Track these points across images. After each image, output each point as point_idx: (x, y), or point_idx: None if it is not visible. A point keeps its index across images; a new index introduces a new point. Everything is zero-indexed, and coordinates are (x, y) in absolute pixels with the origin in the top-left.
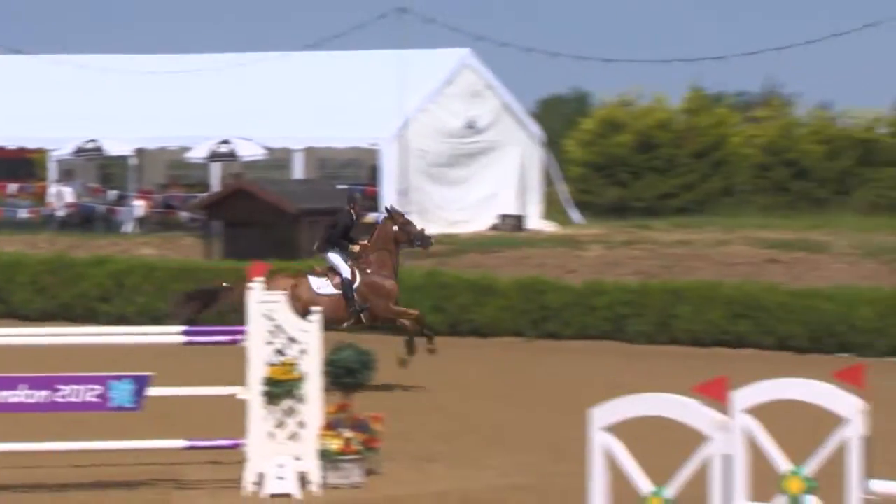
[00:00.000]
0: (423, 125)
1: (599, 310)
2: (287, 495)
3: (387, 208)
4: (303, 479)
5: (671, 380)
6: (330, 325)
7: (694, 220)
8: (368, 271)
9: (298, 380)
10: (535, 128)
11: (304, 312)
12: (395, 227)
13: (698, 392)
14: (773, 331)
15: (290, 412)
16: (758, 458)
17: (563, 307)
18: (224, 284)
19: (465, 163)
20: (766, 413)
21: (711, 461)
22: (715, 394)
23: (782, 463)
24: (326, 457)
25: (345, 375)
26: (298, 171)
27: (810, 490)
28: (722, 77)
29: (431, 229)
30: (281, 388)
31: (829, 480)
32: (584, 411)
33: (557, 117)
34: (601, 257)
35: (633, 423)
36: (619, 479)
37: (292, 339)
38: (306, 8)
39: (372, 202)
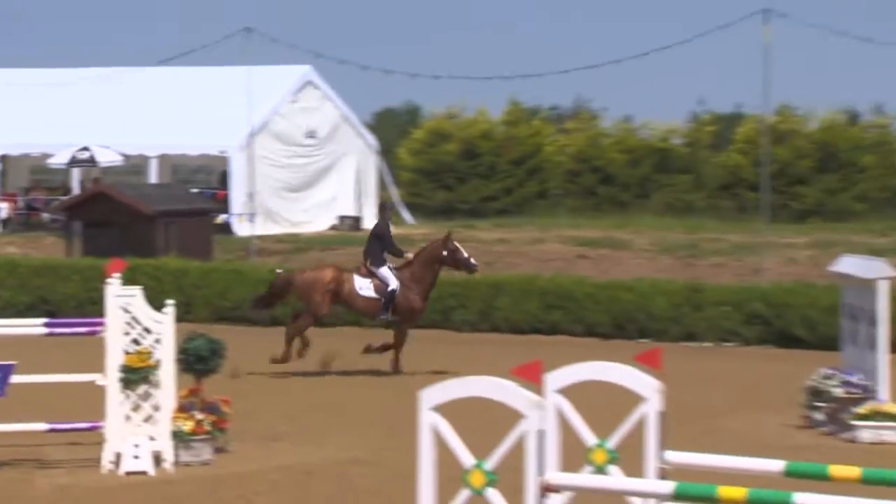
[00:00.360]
0: (269, 134)
1: (429, 301)
2: (142, 473)
3: (447, 236)
4: (157, 458)
5: (493, 364)
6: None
7: (513, 220)
8: (404, 286)
9: (153, 367)
10: (371, 138)
11: (333, 302)
12: (445, 252)
13: (516, 375)
14: (581, 319)
15: (146, 396)
16: (568, 433)
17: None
18: (279, 271)
19: (307, 169)
20: (575, 393)
21: (527, 436)
22: (530, 376)
23: (589, 437)
24: (179, 437)
25: (196, 362)
26: (153, 176)
27: (612, 461)
28: (538, 92)
29: (276, 230)
30: (137, 375)
31: (630, 452)
32: (414, 393)
33: (391, 128)
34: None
35: (458, 403)
36: (445, 454)
37: (147, 330)
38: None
39: (223, 205)
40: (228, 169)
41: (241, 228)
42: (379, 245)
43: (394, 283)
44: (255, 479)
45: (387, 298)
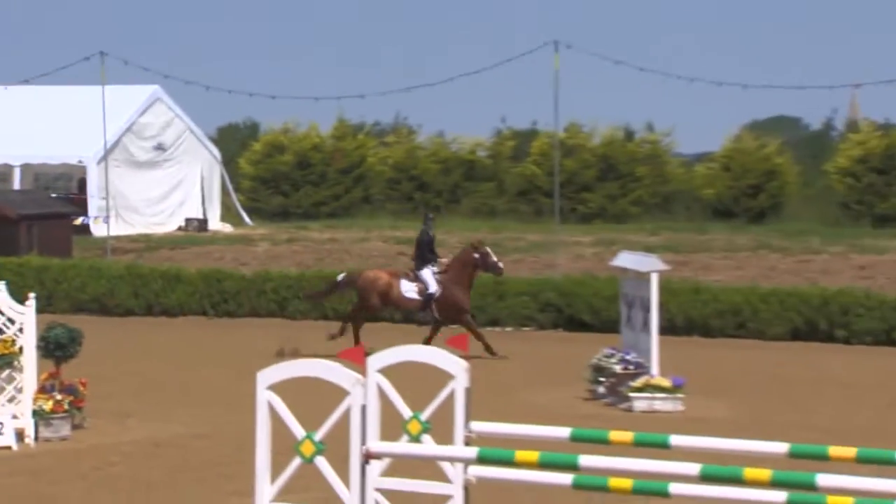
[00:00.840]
0: (122, 146)
1: (267, 293)
2: (6, 448)
3: (478, 242)
4: (20, 435)
5: (325, 348)
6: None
7: (341, 222)
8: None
9: (16, 353)
10: (214, 149)
11: (384, 303)
12: (477, 255)
13: (343, 357)
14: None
15: (9, 380)
16: (387, 408)
17: (237, 292)
18: (341, 276)
19: (156, 176)
20: (394, 372)
21: (351, 410)
22: (355, 358)
23: (405, 410)
24: (40, 415)
25: (55, 349)
26: (17, 183)
27: (425, 431)
28: (362, 111)
29: (129, 231)
30: (1, 361)
31: (441, 423)
32: (253, 373)
33: (233, 141)
34: (268, 252)
35: (292, 382)
36: (279, 427)
37: (11, 320)
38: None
39: (83, 209)
40: (86, 176)
41: (98, 229)
42: (421, 251)
43: (433, 287)
44: (110, 451)
45: (425, 299)
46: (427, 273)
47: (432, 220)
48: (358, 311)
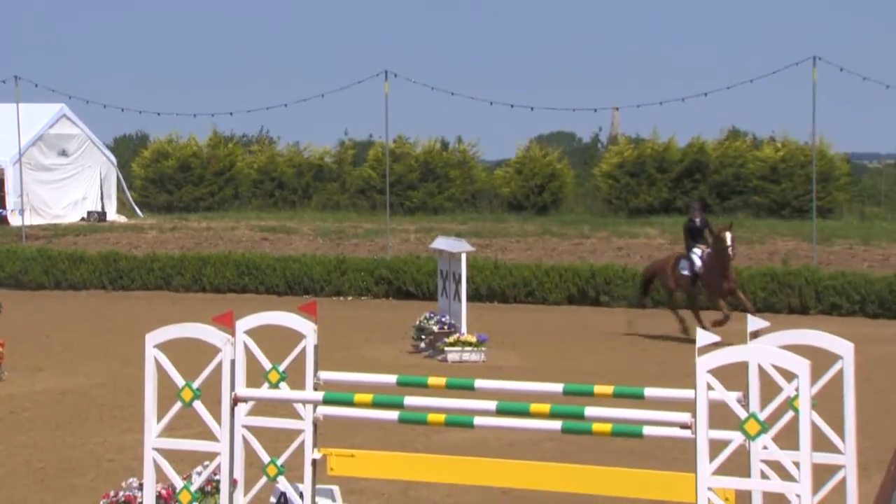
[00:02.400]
0: (33, 151)
1: (155, 271)
2: None
3: (727, 226)
4: None
5: (202, 315)
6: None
7: (215, 214)
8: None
9: None
10: (111, 155)
11: (673, 281)
12: (728, 238)
13: (216, 321)
14: (264, 282)
15: None
16: (252, 362)
17: (131, 269)
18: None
19: (63, 177)
20: (258, 333)
21: (223, 363)
22: (225, 322)
23: (266, 363)
24: None
25: None
26: None
27: (282, 379)
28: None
29: (40, 221)
30: None
31: (295, 373)
32: (143, 335)
33: (127, 148)
34: (156, 238)
35: (175, 342)
36: (164, 378)
37: None
38: None
39: (1, 203)
40: (4, 177)
41: (14, 220)
42: (690, 236)
43: (697, 265)
44: (23, 398)
45: (692, 275)
46: (693, 255)
47: (698, 209)
48: (669, 297)
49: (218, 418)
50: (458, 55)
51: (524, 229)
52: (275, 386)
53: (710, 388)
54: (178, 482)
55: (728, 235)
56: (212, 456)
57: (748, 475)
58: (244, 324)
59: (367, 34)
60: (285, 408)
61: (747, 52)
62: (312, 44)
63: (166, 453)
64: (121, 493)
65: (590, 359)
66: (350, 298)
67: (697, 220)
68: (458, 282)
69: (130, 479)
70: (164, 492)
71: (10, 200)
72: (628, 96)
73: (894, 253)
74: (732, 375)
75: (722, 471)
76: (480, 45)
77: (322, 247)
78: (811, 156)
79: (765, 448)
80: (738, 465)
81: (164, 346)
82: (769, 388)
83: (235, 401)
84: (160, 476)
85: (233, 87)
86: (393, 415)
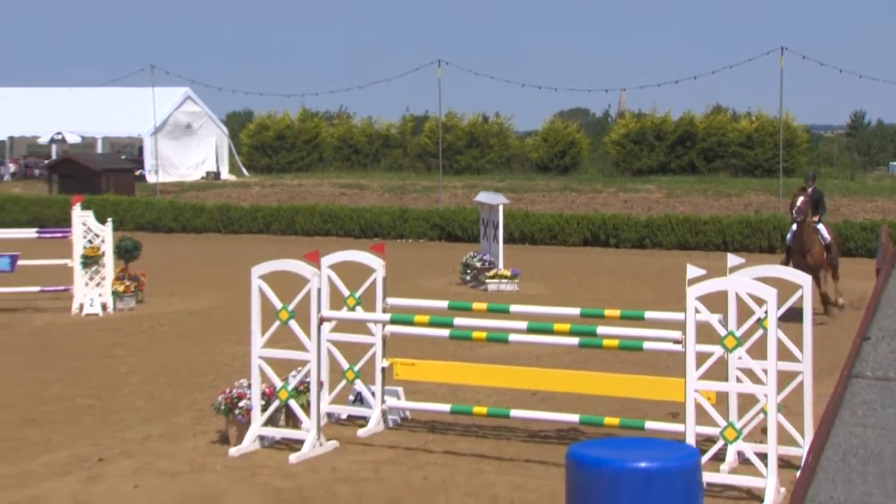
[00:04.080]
0: (165, 125)
1: (258, 219)
2: (95, 314)
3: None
4: (104, 306)
5: (295, 254)
6: (816, 268)
7: (304, 174)
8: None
9: (100, 255)
10: (224, 127)
11: (812, 250)
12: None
13: (306, 258)
14: (343, 228)
15: (97, 271)
16: (333, 290)
17: (239, 217)
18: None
19: (187, 144)
20: (339, 268)
21: (311, 291)
22: (313, 258)
23: (345, 291)
24: (115, 294)
25: (125, 253)
26: (100, 149)
27: (358, 304)
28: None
29: (169, 179)
30: (90, 260)
31: (368, 300)
32: (249, 268)
33: (236, 122)
34: (259, 192)
35: (274, 274)
36: (267, 302)
37: (97, 235)
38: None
39: (141, 165)
40: (143, 145)
41: (151, 178)
42: (815, 207)
43: (827, 237)
44: (160, 317)
45: (826, 244)
46: (821, 226)
47: (811, 180)
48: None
49: (308, 334)
50: (496, 45)
51: (549, 186)
52: (352, 309)
53: (697, 311)
54: (278, 383)
55: (800, 200)
56: (303, 363)
57: (727, 380)
58: (328, 260)
59: (424, 29)
60: (360, 326)
61: (728, 43)
62: (380, 37)
63: (268, 361)
64: (234, 391)
65: (601, 288)
66: (410, 241)
67: (809, 191)
68: (496, 228)
69: (241, 380)
70: (267, 390)
71: (148, 163)
72: (633, 79)
73: (844, 204)
74: (715, 302)
75: (705, 377)
76: (514, 36)
77: (388, 200)
78: (778, 127)
79: (740, 358)
80: (719, 372)
81: (265, 277)
82: (744, 312)
83: (321, 320)
84: (264, 378)
85: (318, 73)
86: (445, 332)
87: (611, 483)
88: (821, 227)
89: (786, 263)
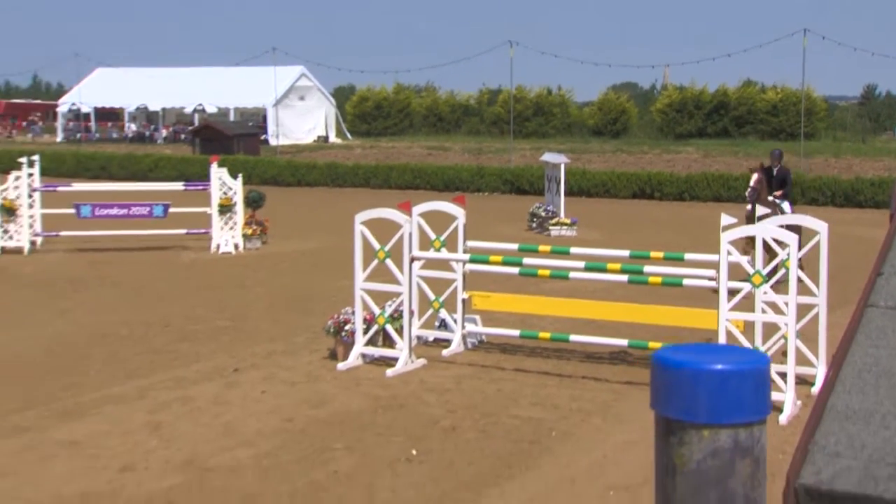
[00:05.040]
0: (285, 98)
1: (359, 175)
2: (228, 253)
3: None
4: (235, 246)
5: (390, 204)
6: None
7: (397, 138)
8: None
9: (232, 205)
10: (332, 99)
11: None
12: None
13: (399, 207)
14: (430, 182)
15: (230, 218)
16: (423, 234)
17: (344, 174)
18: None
19: (302, 112)
20: (428, 216)
21: (404, 235)
22: (405, 208)
23: (432, 235)
24: (245, 237)
25: (252, 203)
26: (232, 117)
27: (443, 246)
28: (408, 77)
29: (287, 142)
30: (225, 208)
31: (450, 242)
32: (353, 216)
33: (342, 95)
34: (360, 153)
35: (373, 221)
36: (367, 244)
37: (230, 188)
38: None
39: (264, 130)
40: (266, 114)
41: (272, 141)
42: (781, 184)
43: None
44: (281, 256)
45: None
46: (786, 204)
47: (779, 156)
48: None
49: (401, 271)
50: (560, 26)
51: (603, 148)
52: (437, 250)
53: (729, 253)
54: (377, 311)
55: (753, 179)
56: (397, 295)
57: (753, 311)
58: (417, 209)
59: (498, 12)
60: (444, 264)
61: (758, 24)
62: (460, 20)
63: (369, 292)
64: (341, 317)
65: (647, 235)
66: (486, 194)
67: (775, 170)
68: (559, 183)
69: (347, 308)
70: (367, 317)
71: (270, 129)
72: (676, 56)
73: (856, 163)
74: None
75: (735, 308)
76: (575, 17)
77: (467, 159)
78: (801, 97)
79: (765, 293)
80: (747, 305)
81: (366, 223)
82: (770, 254)
83: (412, 259)
84: (365, 307)
85: (410, 52)
86: (515, 270)
87: (690, 382)
88: (786, 205)
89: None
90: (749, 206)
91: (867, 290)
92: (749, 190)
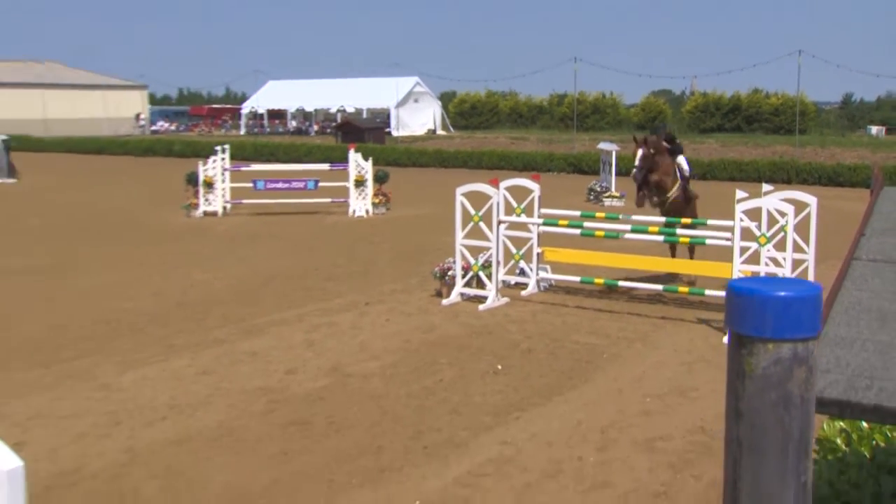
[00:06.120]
0: (404, 101)
1: (459, 158)
2: (361, 217)
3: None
4: (366, 212)
5: (482, 180)
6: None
7: (487, 131)
8: None
9: (365, 180)
10: (438, 101)
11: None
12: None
13: (489, 182)
14: (512, 164)
15: (363, 190)
16: (507, 203)
17: (447, 158)
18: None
19: (417, 112)
20: (512, 189)
21: (493, 203)
22: (494, 183)
23: (514, 204)
24: (374, 205)
25: (379, 179)
26: (365, 115)
27: (523, 212)
28: (494, 85)
29: (405, 134)
30: (359, 183)
31: (529, 210)
32: (454, 189)
33: (446, 98)
34: (460, 142)
35: (470, 192)
36: (465, 211)
37: (362, 167)
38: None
39: (388, 125)
40: (390, 113)
41: (394, 133)
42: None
43: (686, 168)
44: (401, 220)
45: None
46: (682, 158)
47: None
48: None
49: (491, 231)
50: (612, 44)
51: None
52: (518, 215)
53: (741, 220)
54: (472, 261)
55: (638, 156)
56: (487, 249)
57: (759, 264)
58: (503, 184)
59: (565, 34)
60: (523, 226)
61: (765, 44)
62: (535, 42)
63: (466, 247)
64: (444, 265)
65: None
66: (555, 173)
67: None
68: (611, 165)
69: (449, 259)
70: (464, 265)
71: (393, 124)
72: (701, 69)
73: (837, 153)
74: (754, 214)
75: (746, 262)
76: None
77: (541, 147)
78: (795, 102)
79: (768, 251)
80: (754, 259)
81: (465, 195)
82: (772, 221)
83: (499, 222)
84: (463, 258)
85: (497, 65)
86: (577, 231)
87: (760, 306)
88: (681, 159)
89: (639, 204)
90: (639, 190)
91: (853, 247)
92: (634, 171)
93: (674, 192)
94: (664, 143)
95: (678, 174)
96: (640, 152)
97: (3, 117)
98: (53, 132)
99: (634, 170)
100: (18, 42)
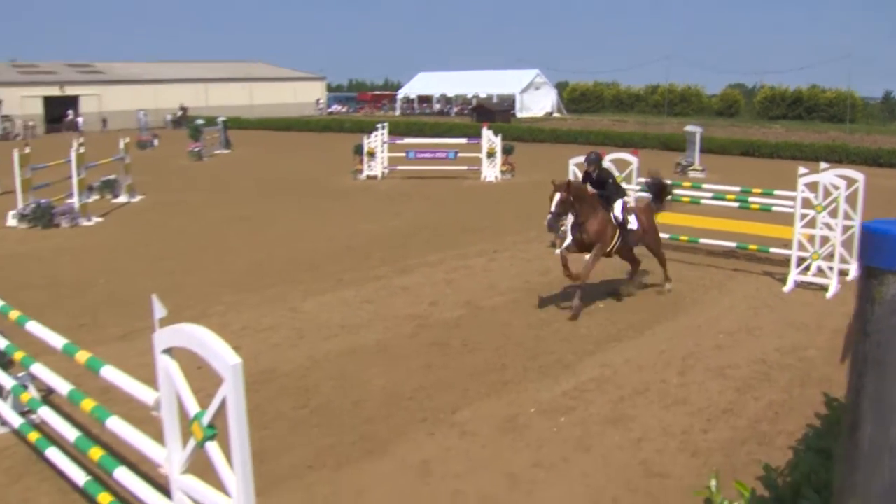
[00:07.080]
0: (527, 88)
1: (567, 135)
2: (491, 181)
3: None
4: (495, 178)
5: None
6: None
7: (594, 114)
8: None
9: (495, 152)
10: (554, 89)
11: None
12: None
13: (631, 153)
14: (614, 141)
15: (492, 160)
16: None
17: (560, 135)
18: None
19: (537, 98)
20: (615, 160)
21: (633, 171)
22: (635, 153)
23: (616, 172)
24: (502, 172)
25: (506, 151)
26: (495, 99)
27: (622, 179)
28: (589, 76)
29: (526, 115)
30: (490, 154)
31: (628, 178)
32: (566, 160)
33: (561, 86)
34: (571, 123)
35: (580, 163)
36: (576, 176)
37: (493, 142)
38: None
39: (513, 109)
40: (515, 98)
41: (519, 115)
42: (601, 185)
43: (635, 223)
44: (521, 184)
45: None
46: (619, 204)
47: (595, 160)
48: None
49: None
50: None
51: (723, 124)
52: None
53: (802, 191)
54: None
55: (555, 201)
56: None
57: (815, 228)
58: (607, 157)
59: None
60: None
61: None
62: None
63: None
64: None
65: (749, 178)
66: (649, 150)
67: (594, 175)
68: (695, 143)
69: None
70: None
71: (517, 107)
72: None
73: (880, 139)
74: (812, 187)
75: (805, 226)
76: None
77: (637, 128)
78: (846, 97)
79: (824, 217)
80: (811, 224)
81: (576, 165)
82: (827, 193)
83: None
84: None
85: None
86: (667, 197)
87: (891, 242)
88: (617, 206)
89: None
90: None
91: None
92: (549, 217)
93: (614, 244)
94: (589, 188)
95: (614, 222)
96: (556, 196)
97: (222, 104)
98: (256, 115)
99: (549, 216)
100: (232, 46)
